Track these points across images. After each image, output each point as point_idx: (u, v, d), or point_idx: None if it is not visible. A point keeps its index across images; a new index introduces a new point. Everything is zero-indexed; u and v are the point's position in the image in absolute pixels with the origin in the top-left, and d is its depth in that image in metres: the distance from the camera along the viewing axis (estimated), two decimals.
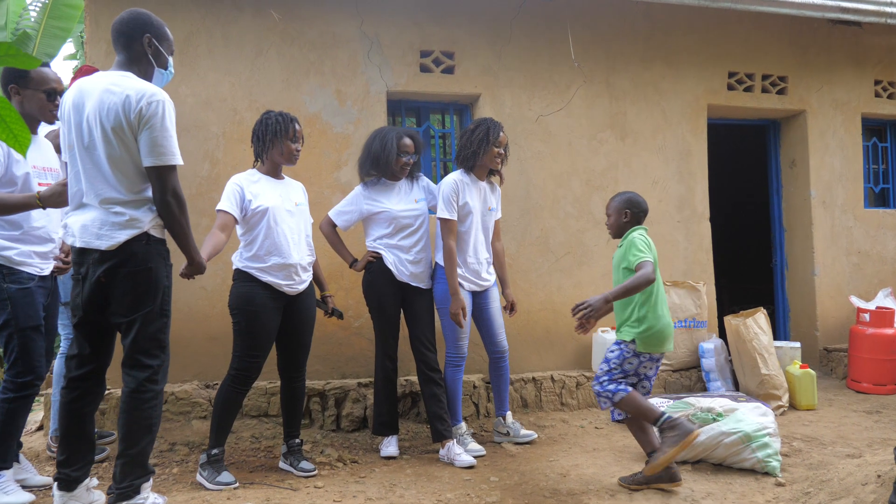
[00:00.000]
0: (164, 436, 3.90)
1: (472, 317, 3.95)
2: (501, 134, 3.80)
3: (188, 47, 4.25)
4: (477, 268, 3.87)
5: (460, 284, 3.79)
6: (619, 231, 3.47)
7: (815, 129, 5.56)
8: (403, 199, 3.81)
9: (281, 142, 3.35)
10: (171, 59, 2.77)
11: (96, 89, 2.48)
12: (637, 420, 3.24)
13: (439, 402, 3.75)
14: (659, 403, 4.19)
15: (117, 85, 2.47)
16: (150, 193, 2.54)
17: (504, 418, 4.07)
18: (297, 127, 3.41)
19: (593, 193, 4.97)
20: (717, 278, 5.28)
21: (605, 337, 4.71)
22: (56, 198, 2.68)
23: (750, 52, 5.35)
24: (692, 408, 3.58)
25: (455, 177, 3.79)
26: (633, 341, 3.23)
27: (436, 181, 4.89)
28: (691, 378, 4.89)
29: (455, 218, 3.74)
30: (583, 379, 4.71)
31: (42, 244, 2.97)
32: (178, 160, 2.52)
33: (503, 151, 3.83)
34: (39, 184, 2.91)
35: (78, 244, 2.50)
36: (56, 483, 2.59)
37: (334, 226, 3.87)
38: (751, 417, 3.43)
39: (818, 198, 5.56)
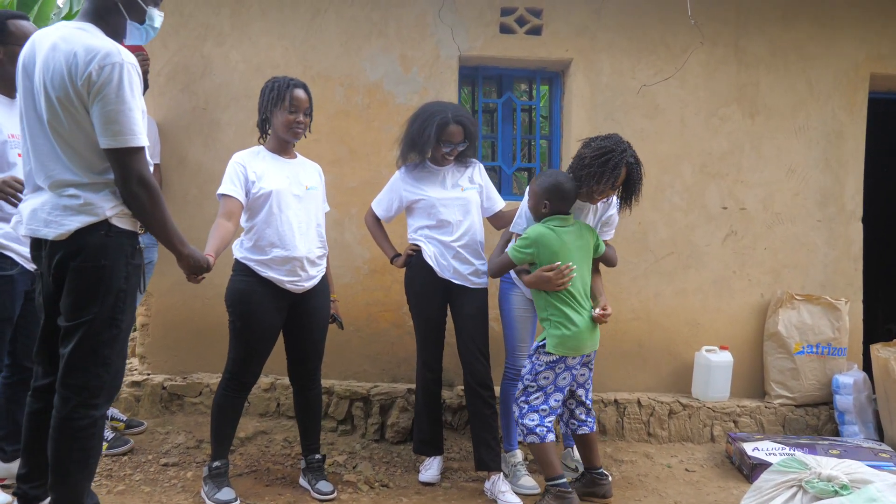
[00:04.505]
0: (193, 431, 3.64)
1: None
2: None
3: (240, 7, 3.86)
4: None
5: (517, 287, 3.25)
6: (537, 219, 3.02)
7: None
8: (448, 186, 3.22)
9: (279, 112, 2.86)
10: (154, 11, 2.23)
11: (45, 45, 2.04)
12: (581, 437, 3.06)
13: (488, 426, 3.17)
14: (769, 452, 3.33)
15: (66, 40, 2.00)
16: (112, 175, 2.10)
17: (573, 450, 3.42)
18: (297, 93, 2.87)
19: (708, 182, 4.07)
20: (867, 294, 4.21)
21: (709, 357, 3.87)
22: None
23: None
24: (808, 471, 2.72)
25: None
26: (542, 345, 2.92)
27: (515, 162, 4.23)
28: (819, 417, 3.92)
29: None
30: (678, 406, 3.90)
31: None
32: (140, 140, 2.04)
33: None
34: (19, 154, 2.58)
35: (23, 232, 2.13)
36: (15, 499, 2.30)
37: (377, 217, 3.36)
38: (893, 498, 2.53)
39: None
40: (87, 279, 2.05)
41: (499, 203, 3.41)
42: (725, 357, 3.88)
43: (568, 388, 3.00)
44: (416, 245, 3.22)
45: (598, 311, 2.99)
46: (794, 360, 3.89)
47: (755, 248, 4.08)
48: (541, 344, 2.94)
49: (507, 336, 3.31)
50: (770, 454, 3.33)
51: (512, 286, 3.27)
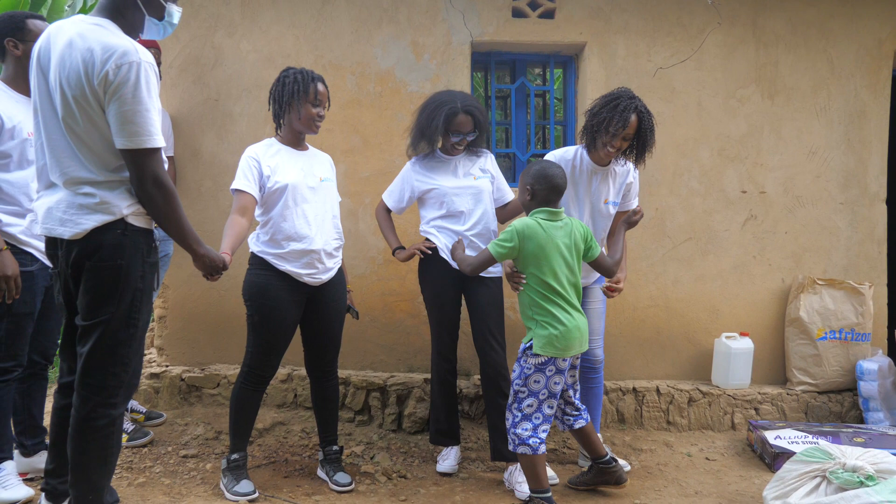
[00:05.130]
0: (211, 423, 3.65)
1: None
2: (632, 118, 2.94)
3: None
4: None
5: None
6: (526, 210, 2.88)
7: None
8: (459, 175, 3.18)
9: (300, 105, 2.82)
10: (173, 7, 2.21)
11: (60, 41, 2.00)
12: (579, 432, 2.97)
13: (504, 416, 3.14)
14: (791, 440, 3.28)
15: (83, 37, 1.97)
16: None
17: None
18: (319, 87, 2.85)
19: (727, 166, 3.99)
20: (891, 278, 4.12)
21: (729, 344, 3.81)
22: None
23: None
24: (832, 461, 2.67)
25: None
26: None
27: (530, 148, 4.17)
28: (843, 404, 3.85)
29: None
30: (697, 394, 3.85)
31: None
32: (156, 141, 2.00)
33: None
34: None
35: (38, 231, 2.12)
36: (43, 493, 2.31)
37: (388, 209, 3.34)
38: None
39: None
40: (104, 279, 2.03)
41: (508, 195, 3.36)
42: (746, 344, 3.82)
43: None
44: (431, 243, 3.16)
45: (606, 282, 2.97)
46: (817, 345, 3.82)
47: (775, 233, 4.00)
48: (527, 346, 2.78)
49: None
50: (793, 442, 3.28)
51: None
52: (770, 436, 3.38)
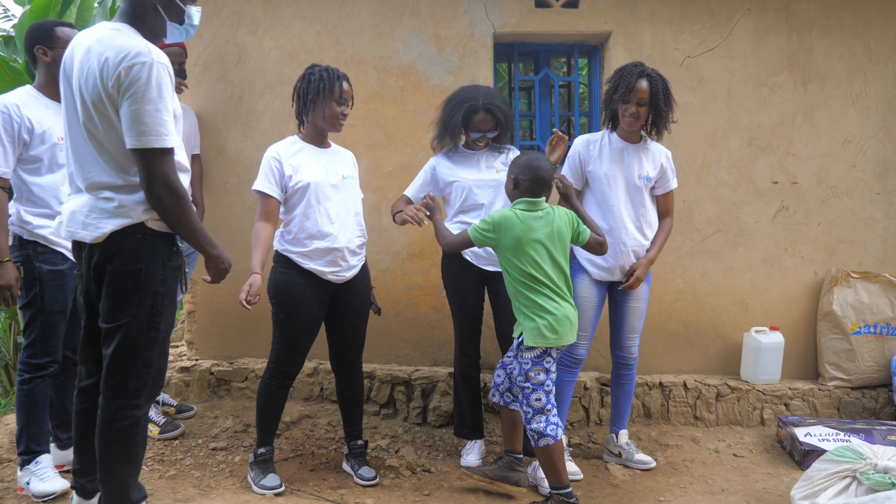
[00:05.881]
0: (240, 416, 3.72)
1: (608, 311, 3.31)
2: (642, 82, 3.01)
3: None
4: (621, 251, 3.12)
5: (586, 271, 3.17)
6: (511, 200, 2.84)
7: None
8: (482, 168, 3.17)
9: (324, 103, 2.82)
10: (192, 9, 2.22)
11: (82, 48, 2.04)
12: (511, 414, 2.94)
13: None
14: (822, 438, 3.22)
15: (101, 42, 1.99)
16: None
17: (617, 436, 3.36)
18: (345, 85, 2.85)
19: (757, 156, 3.89)
20: None
21: (758, 338, 3.74)
22: None
23: None
24: (863, 461, 2.61)
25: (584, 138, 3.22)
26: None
27: None
28: (877, 400, 3.75)
29: (574, 186, 3.14)
30: (726, 389, 3.79)
31: None
32: (166, 142, 1.99)
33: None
34: None
35: (63, 234, 2.16)
36: (73, 491, 2.39)
37: (410, 202, 3.32)
38: None
39: None
40: (124, 282, 2.06)
41: None
42: (776, 338, 3.75)
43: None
44: (430, 204, 3.00)
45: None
46: (850, 340, 3.72)
47: (808, 224, 3.90)
48: (519, 341, 2.75)
49: None
50: (823, 440, 3.21)
51: (578, 271, 3.17)
52: (800, 433, 3.32)
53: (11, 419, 3.56)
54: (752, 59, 3.85)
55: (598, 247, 2.91)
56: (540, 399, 2.70)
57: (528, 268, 2.68)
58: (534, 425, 2.69)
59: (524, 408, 2.74)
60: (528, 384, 2.70)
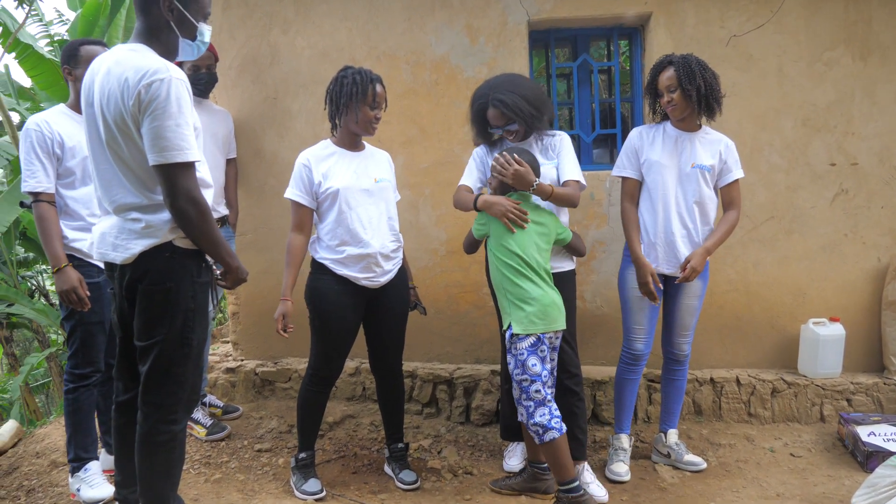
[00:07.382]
0: (284, 416, 3.76)
1: (662, 306, 3.19)
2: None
3: None
4: (671, 241, 3.02)
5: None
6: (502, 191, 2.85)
7: None
8: None
9: (357, 107, 2.75)
10: (204, 26, 2.20)
11: (102, 71, 2.05)
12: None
13: (571, 414, 3.04)
14: (888, 438, 3.03)
15: (119, 63, 2.01)
16: None
17: (667, 435, 3.26)
18: (378, 89, 2.78)
19: (812, 137, 3.67)
20: None
21: (816, 330, 3.54)
22: None
23: None
24: None
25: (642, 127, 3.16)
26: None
27: (594, 128, 3.98)
28: None
29: (632, 175, 3.10)
30: (782, 384, 3.62)
31: None
32: (188, 156, 1.99)
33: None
34: None
35: (95, 256, 2.20)
36: (116, 502, 2.44)
37: (470, 191, 3.08)
38: None
39: None
40: (155, 301, 2.08)
41: (566, 174, 2.99)
42: (836, 329, 3.55)
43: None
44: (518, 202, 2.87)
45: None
46: None
47: (870, 208, 3.66)
48: (510, 335, 2.69)
49: (623, 318, 3.19)
50: (889, 440, 3.03)
51: (629, 265, 3.09)
52: (863, 431, 3.13)
53: None
54: (804, 33, 3.61)
55: (579, 248, 3.00)
56: (539, 391, 2.63)
57: (515, 248, 2.68)
58: (537, 419, 2.61)
59: (524, 402, 2.66)
60: (525, 375, 2.64)
